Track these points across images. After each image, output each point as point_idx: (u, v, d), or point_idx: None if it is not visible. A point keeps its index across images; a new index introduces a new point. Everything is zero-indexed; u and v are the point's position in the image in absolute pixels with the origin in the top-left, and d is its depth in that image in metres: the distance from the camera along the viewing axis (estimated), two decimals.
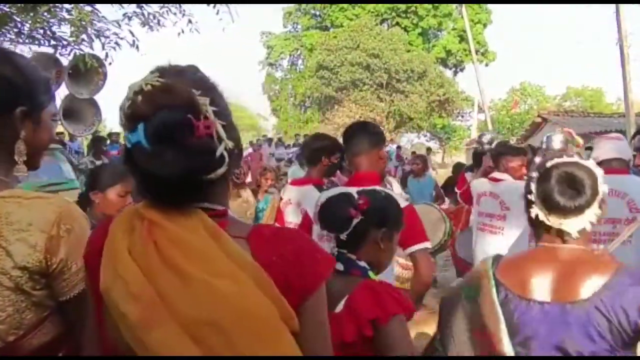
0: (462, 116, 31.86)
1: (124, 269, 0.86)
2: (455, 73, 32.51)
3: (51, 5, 4.60)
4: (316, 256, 0.95)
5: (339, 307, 1.51)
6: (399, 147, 19.30)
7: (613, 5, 11.88)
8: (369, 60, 26.22)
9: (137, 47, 4.98)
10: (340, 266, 1.60)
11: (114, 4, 5.06)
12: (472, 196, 4.24)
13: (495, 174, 4.10)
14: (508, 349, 1.35)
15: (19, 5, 4.53)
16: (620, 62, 11.98)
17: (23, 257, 1.05)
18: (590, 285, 1.32)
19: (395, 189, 5.69)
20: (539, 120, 17.28)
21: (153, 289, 0.84)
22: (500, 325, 1.36)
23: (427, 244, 2.28)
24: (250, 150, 16.86)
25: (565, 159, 1.46)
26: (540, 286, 1.38)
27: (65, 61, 6.10)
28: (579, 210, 1.38)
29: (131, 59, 5.64)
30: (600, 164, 3.07)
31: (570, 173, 1.41)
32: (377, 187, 1.96)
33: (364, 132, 2.61)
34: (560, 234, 1.40)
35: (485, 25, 31.68)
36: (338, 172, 4.11)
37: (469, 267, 4.39)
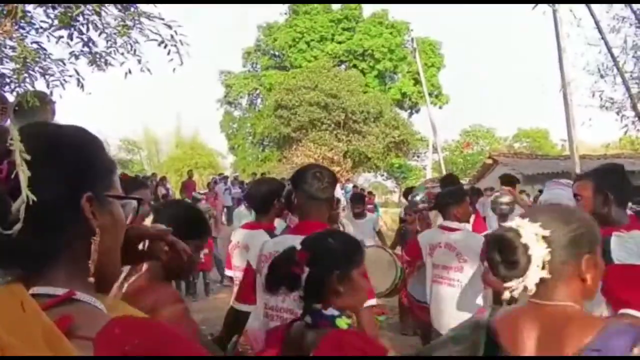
0: (418, 156, 32.64)
1: None
2: (411, 114, 33.44)
3: None
4: (168, 352, 0.75)
5: None
6: (355, 187, 19.47)
7: (556, 54, 12.55)
8: (327, 100, 26.65)
9: (82, 87, 4.87)
10: (308, 319, 1.58)
11: (60, 41, 4.96)
12: (419, 250, 4.14)
13: (447, 223, 4.03)
14: None
15: None
16: (565, 108, 12.58)
17: None
18: (574, 345, 1.27)
19: (348, 230, 5.67)
20: (489, 161, 17.84)
21: None
22: None
23: (372, 301, 2.19)
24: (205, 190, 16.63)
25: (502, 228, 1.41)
26: (528, 343, 1.34)
27: (11, 97, 5.90)
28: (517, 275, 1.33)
29: (79, 97, 5.51)
30: None
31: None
32: (320, 231, 1.88)
33: (320, 175, 2.57)
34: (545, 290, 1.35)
35: (438, 69, 32.89)
36: (290, 214, 4.03)
37: (425, 309, 4.35)
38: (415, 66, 24.11)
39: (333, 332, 1.53)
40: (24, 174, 0.71)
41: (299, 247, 1.65)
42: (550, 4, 10.42)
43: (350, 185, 19.86)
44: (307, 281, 1.58)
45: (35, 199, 0.71)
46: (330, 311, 1.58)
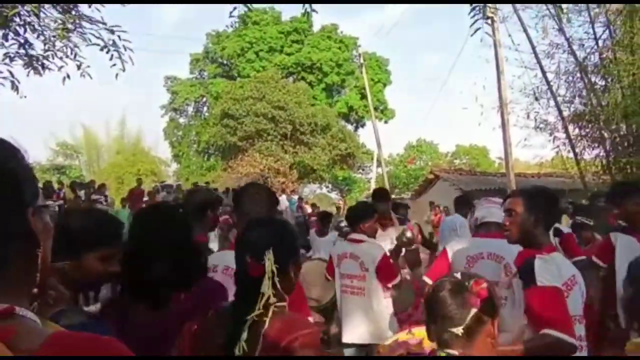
0: (363, 169, 33.10)
1: None
2: (357, 128, 33.92)
3: None
4: None
5: None
6: (300, 199, 19.50)
7: (495, 75, 13.11)
8: (274, 112, 26.64)
9: (17, 89, 4.63)
10: None
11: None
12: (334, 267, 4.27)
13: (354, 235, 4.20)
14: None
15: None
16: (502, 127, 13.12)
17: None
18: None
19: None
20: (431, 176, 18.32)
21: None
22: None
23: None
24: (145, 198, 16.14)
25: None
26: None
27: None
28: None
29: (12, 100, 5.25)
30: (481, 225, 3.27)
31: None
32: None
33: (259, 196, 2.60)
34: None
35: (385, 85, 33.60)
36: (234, 229, 4.01)
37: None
38: (362, 81, 24.55)
39: None
40: None
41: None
42: (489, 33, 10.86)
43: (295, 197, 19.88)
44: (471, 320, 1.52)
45: None
46: None
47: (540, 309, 2.14)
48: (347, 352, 4.12)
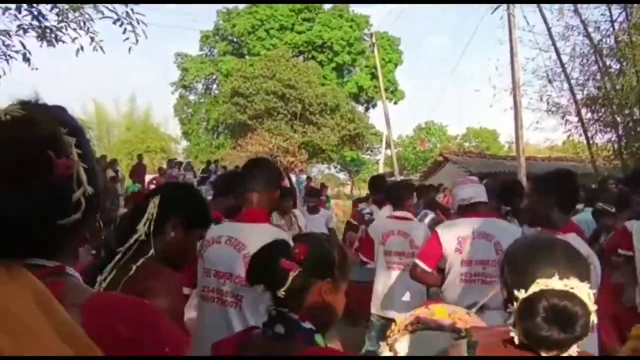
0: (372, 150, 33.00)
1: None
2: (367, 109, 33.74)
3: None
4: (159, 333, 0.86)
5: None
6: (309, 178, 19.52)
7: (508, 57, 12.94)
8: (284, 90, 26.51)
9: (29, 61, 4.65)
10: (280, 329, 1.35)
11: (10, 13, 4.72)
12: (371, 243, 4.36)
13: (397, 213, 4.32)
14: None
15: None
16: (514, 109, 13.00)
17: None
18: None
19: (300, 222, 5.71)
20: (440, 159, 18.25)
21: None
22: None
23: None
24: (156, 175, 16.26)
25: (554, 284, 1.26)
26: None
27: None
28: (566, 344, 1.26)
29: (24, 72, 5.26)
30: (469, 205, 3.29)
31: (562, 307, 1.24)
32: (316, 233, 1.78)
33: (264, 171, 2.62)
34: None
35: (396, 65, 33.30)
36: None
37: (361, 290, 4.53)
38: (373, 60, 24.34)
39: (315, 349, 1.33)
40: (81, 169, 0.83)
41: (286, 239, 1.47)
42: (507, 8, 10.70)
43: (303, 176, 19.91)
44: (294, 281, 1.34)
45: (92, 191, 0.84)
46: (308, 324, 1.36)
47: None
48: (379, 323, 4.21)
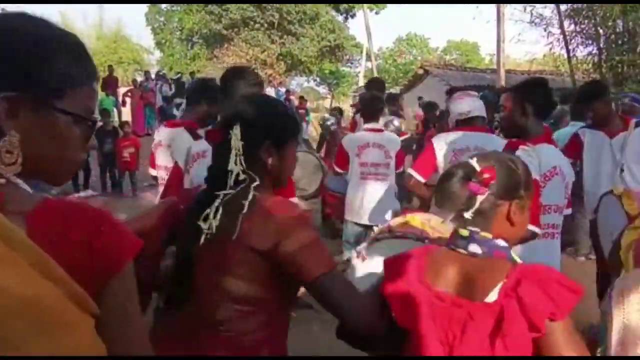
0: (352, 63, 32.33)
1: None
2: (346, 19, 32.59)
3: None
4: (114, 236, 0.83)
5: (492, 296, 1.29)
6: (288, 91, 19.23)
7: None
8: None
9: None
10: (476, 248, 1.35)
11: None
12: (345, 156, 4.47)
13: (372, 125, 4.45)
14: None
15: None
16: (497, 20, 12.74)
17: None
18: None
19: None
20: (421, 71, 18.03)
21: None
22: None
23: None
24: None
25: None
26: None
27: None
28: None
29: None
30: (466, 120, 3.29)
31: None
32: (500, 152, 1.76)
33: (246, 80, 2.57)
34: None
35: None
36: None
37: (338, 198, 4.77)
38: None
39: (525, 267, 1.33)
40: None
41: (473, 162, 1.41)
42: None
43: (283, 89, 19.59)
44: (482, 204, 1.36)
45: None
46: (502, 242, 1.37)
47: None
48: (354, 230, 4.42)
